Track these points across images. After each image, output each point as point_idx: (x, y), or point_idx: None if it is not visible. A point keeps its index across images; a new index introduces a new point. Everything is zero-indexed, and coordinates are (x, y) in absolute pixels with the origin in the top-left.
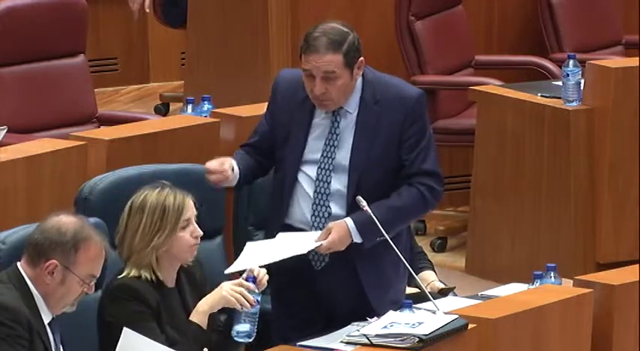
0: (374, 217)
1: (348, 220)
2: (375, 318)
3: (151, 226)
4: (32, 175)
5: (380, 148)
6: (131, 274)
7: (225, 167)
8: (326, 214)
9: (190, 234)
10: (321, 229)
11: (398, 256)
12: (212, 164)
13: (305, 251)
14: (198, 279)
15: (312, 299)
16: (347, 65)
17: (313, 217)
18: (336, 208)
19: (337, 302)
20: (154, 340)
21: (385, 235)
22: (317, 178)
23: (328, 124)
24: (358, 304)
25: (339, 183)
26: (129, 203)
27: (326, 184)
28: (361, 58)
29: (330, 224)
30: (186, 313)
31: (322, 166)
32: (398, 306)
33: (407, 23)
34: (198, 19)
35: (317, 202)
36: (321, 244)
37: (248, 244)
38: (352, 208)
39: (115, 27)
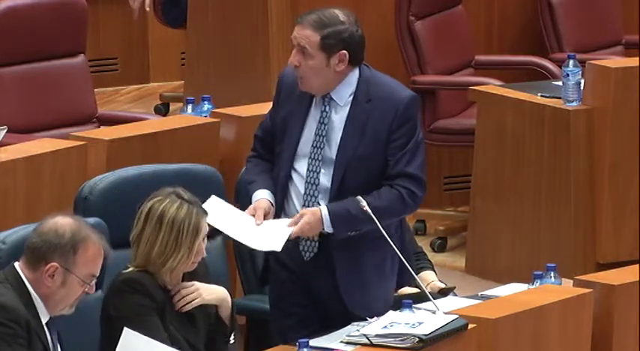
0: (374, 217)
1: (323, 208)
2: (375, 318)
3: (167, 245)
4: (32, 175)
5: (367, 146)
6: (135, 269)
7: (262, 211)
8: (315, 204)
9: (195, 254)
10: None
11: (382, 258)
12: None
13: (278, 248)
14: (202, 280)
15: (307, 297)
16: (322, 49)
17: (304, 209)
18: (323, 203)
19: (322, 299)
20: (156, 334)
21: (385, 233)
22: (308, 169)
23: (318, 113)
24: (335, 303)
25: (326, 177)
26: (148, 205)
27: (315, 173)
28: (343, 52)
29: (304, 210)
30: (189, 313)
31: (312, 157)
32: (379, 309)
33: (407, 23)
34: (198, 19)
35: (308, 192)
36: (293, 230)
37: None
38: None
39: (115, 27)
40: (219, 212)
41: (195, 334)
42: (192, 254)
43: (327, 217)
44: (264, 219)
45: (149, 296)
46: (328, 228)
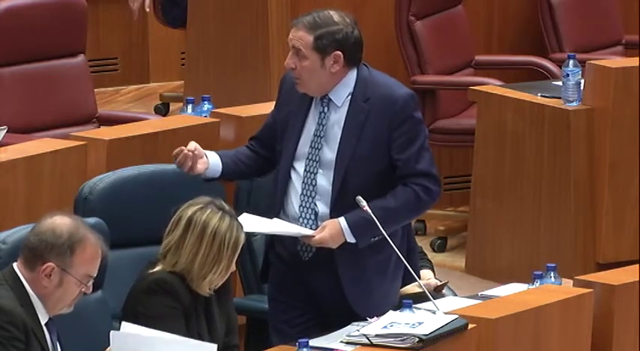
0: (374, 217)
1: (342, 220)
2: (375, 318)
3: (209, 257)
4: (32, 175)
5: (366, 146)
6: (167, 270)
7: (189, 147)
8: (312, 205)
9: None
10: (307, 223)
11: (385, 258)
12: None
13: (300, 234)
14: (223, 290)
15: (305, 293)
16: (316, 49)
17: (301, 208)
18: (321, 204)
19: (321, 298)
20: (180, 335)
21: (386, 236)
22: (305, 170)
23: (317, 114)
24: (339, 303)
25: (325, 179)
26: (188, 213)
27: (312, 174)
28: (337, 52)
29: (325, 222)
30: (209, 322)
31: (310, 158)
32: (383, 310)
33: (407, 23)
34: (198, 19)
35: (304, 192)
36: (314, 237)
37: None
38: (336, 206)
39: (115, 27)
40: (250, 222)
41: (212, 340)
42: (231, 268)
43: (347, 228)
44: (193, 159)
45: (178, 299)
46: (350, 238)
